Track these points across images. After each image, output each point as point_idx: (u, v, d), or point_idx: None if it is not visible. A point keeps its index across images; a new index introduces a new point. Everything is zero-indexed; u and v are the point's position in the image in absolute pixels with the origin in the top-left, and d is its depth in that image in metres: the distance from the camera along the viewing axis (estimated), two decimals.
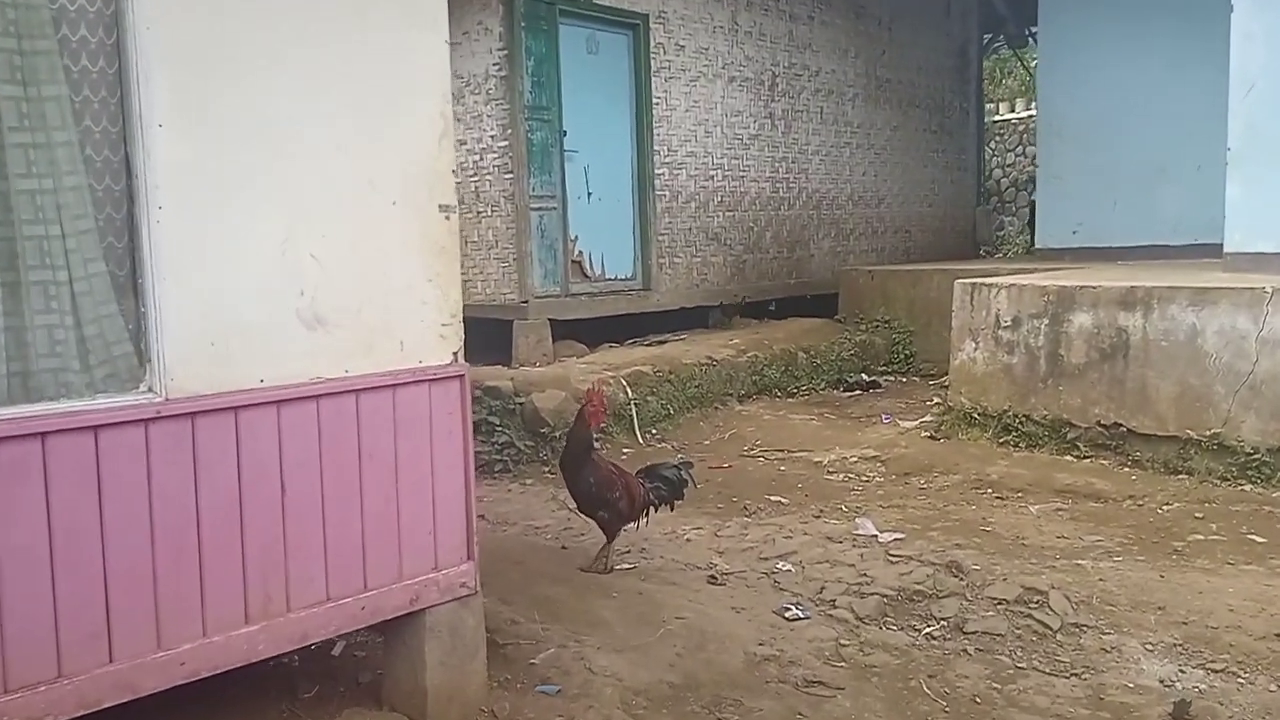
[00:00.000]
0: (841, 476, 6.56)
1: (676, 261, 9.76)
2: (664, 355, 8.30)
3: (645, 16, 9.29)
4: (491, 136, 8.63)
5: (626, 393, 7.53)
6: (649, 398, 7.71)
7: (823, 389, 9.21)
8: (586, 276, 9.12)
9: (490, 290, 8.78)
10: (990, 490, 6.10)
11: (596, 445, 5.14)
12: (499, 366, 8.22)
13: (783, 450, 7.16)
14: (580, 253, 9.06)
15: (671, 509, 5.15)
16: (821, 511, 5.82)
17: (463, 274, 9.12)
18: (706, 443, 7.49)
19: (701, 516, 5.83)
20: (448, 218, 3.38)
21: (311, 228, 3.04)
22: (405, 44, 3.25)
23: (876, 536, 5.31)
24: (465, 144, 8.81)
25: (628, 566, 4.99)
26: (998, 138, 18.03)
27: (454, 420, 3.43)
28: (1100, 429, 6.38)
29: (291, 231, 3.00)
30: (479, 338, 9.02)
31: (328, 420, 3.11)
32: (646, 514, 5.01)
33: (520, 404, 7.13)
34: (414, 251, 3.31)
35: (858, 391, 9.14)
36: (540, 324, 8.55)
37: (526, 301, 8.51)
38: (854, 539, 5.28)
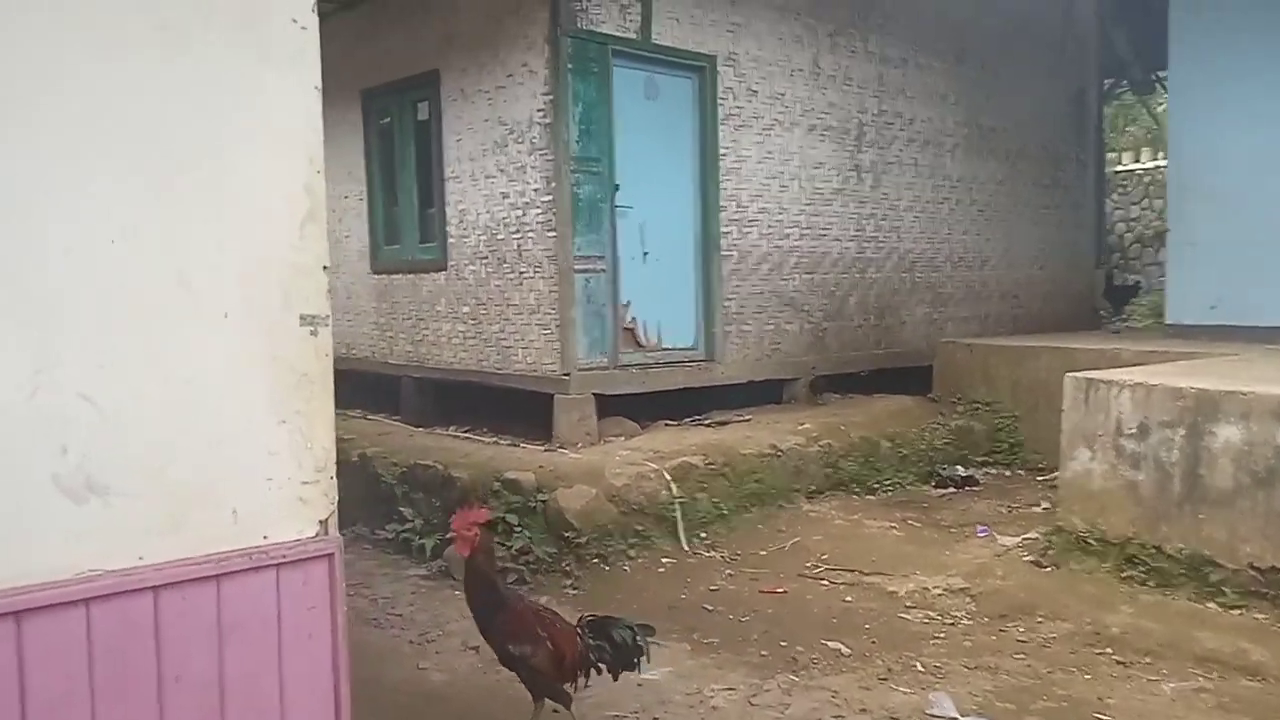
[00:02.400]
0: (921, 615, 5.31)
1: (745, 330, 8.65)
2: (720, 443, 7.17)
3: (713, 58, 8.28)
4: (535, 190, 7.70)
5: (670, 489, 6.43)
6: (698, 494, 6.59)
7: (910, 483, 7.93)
8: (640, 346, 8.09)
9: (531, 360, 7.81)
10: (1110, 650, 4.79)
11: (509, 581, 4.03)
12: (529, 449, 7.24)
13: (852, 571, 5.94)
14: (633, 319, 8.04)
15: (615, 679, 3.98)
16: (890, 672, 4.61)
17: (503, 340, 8.28)
18: (762, 553, 6.31)
19: (738, 668, 4.68)
20: (314, 333, 2.39)
21: (80, 354, 2.07)
22: (250, 81, 2.28)
23: None
24: (508, 197, 7.92)
25: None
26: (1120, 189, 16.45)
27: (317, 619, 2.42)
28: (1254, 573, 5.01)
29: (43, 360, 2.02)
30: (520, 412, 8.14)
31: (106, 632, 2.13)
32: (585, 677, 3.90)
33: (543, 502, 6.10)
34: (256, 382, 2.32)
35: (951, 489, 7.84)
36: (584, 400, 7.54)
37: (569, 374, 7.51)
38: None
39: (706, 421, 8.04)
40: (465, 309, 8.43)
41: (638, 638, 3.93)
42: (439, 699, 4.41)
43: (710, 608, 5.46)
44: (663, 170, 8.17)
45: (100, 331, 2.09)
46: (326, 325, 2.43)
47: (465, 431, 8.29)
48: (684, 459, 6.72)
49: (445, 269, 8.61)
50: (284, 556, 2.35)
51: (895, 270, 9.92)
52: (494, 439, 7.83)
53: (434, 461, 6.75)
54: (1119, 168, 16.77)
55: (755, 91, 8.60)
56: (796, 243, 9.00)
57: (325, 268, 2.42)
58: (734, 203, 8.52)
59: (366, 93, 9.40)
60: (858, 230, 9.51)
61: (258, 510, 2.34)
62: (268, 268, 2.33)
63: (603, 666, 3.91)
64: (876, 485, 7.67)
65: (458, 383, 8.55)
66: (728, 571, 5.99)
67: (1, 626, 1.98)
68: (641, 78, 8.03)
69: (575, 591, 5.76)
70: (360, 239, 9.67)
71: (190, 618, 2.23)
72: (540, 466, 6.55)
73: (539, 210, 7.67)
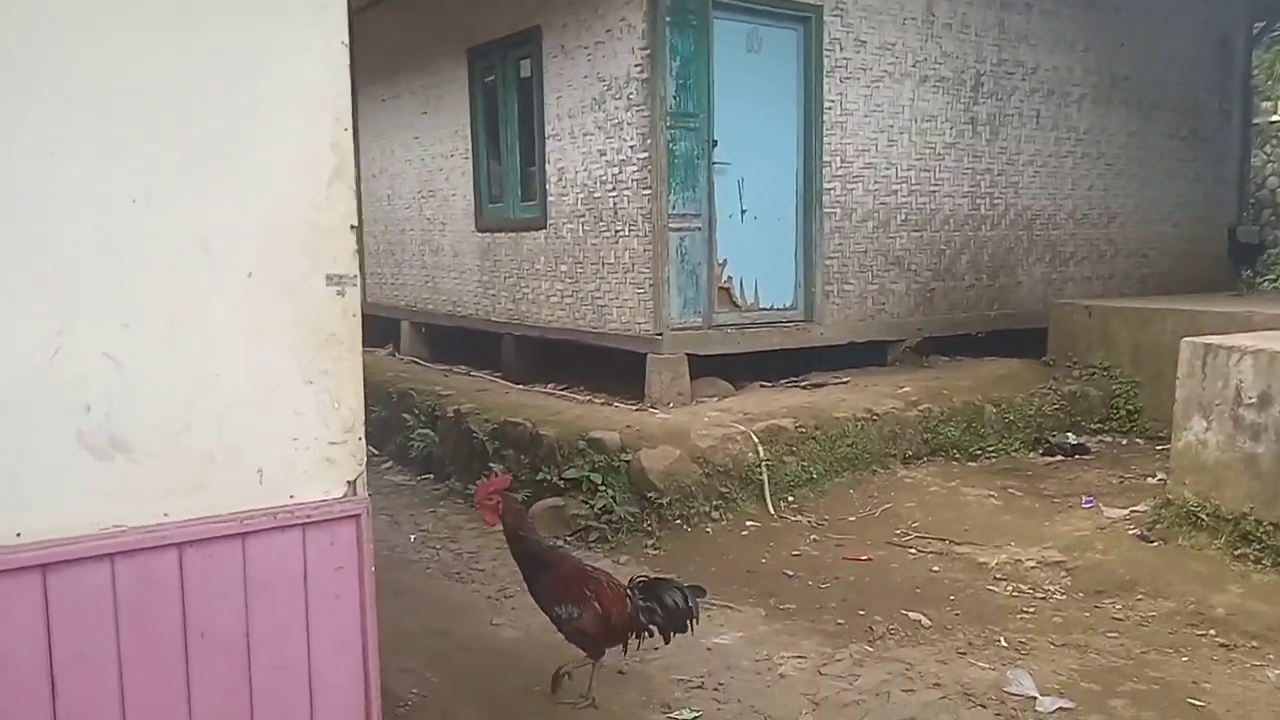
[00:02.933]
0: (1010, 588, 5.10)
1: (847, 289, 8.41)
2: (813, 405, 7.01)
3: (819, 8, 7.99)
4: (631, 147, 7.61)
5: (757, 452, 6.32)
6: (787, 458, 6.46)
7: (1015, 450, 7.61)
8: (736, 305, 7.95)
9: (625, 319, 7.78)
10: (1212, 632, 4.50)
11: (547, 539, 4.19)
12: (620, 408, 7.23)
13: (942, 540, 5.75)
14: (729, 278, 7.90)
15: (667, 641, 3.98)
16: (970, 646, 4.44)
17: (599, 299, 8.26)
18: (851, 519, 6.16)
19: (812, 635, 4.59)
20: (341, 292, 2.39)
21: (103, 313, 2.11)
22: (268, 40, 2.27)
23: (1035, 700, 3.92)
24: (605, 154, 7.85)
25: (691, 716, 3.86)
26: (1273, 142, 15.30)
27: (345, 579, 2.44)
28: None
29: (65, 319, 2.07)
30: (615, 371, 8.12)
31: (130, 588, 2.18)
32: (638, 639, 3.90)
33: (626, 462, 6.08)
34: (282, 342, 2.33)
35: (1059, 457, 7.49)
36: (676, 360, 7.47)
37: (661, 334, 7.45)
38: (1002, 701, 3.91)
39: (803, 383, 7.87)
40: (563, 267, 8.43)
41: (689, 599, 3.89)
42: (507, 656, 4.46)
43: (790, 573, 5.36)
44: (763, 125, 7.95)
45: (122, 292, 2.12)
46: (354, 285, 2.42)
47: (562, 389, 8.33)
48: (773, 421, 6.59)
49: (545, 227, 8.63)
50: (309, 516, 2.37)
51: (1011, 228, 9.47)
52: (588, 398, 7.83)
53: (524, 419, 6.80)
54: (1273, 118, 15.58)
55: (863, 42, 8.27)
56: (905, 199, 8.67)
57: (353, 227, 2.41)
58: (838, 158, 8.25)
59: (472, 51, 9.43)
60: (971, 186, 9.10)
61: (284, 470, 2.36)
62: (291, 228, 2.33)
63: (654, 629, 3.88)
64: (979, 452, 7.39)
65: (556, 341, 8.59)
66: (812, 537, 5.87)
67: (28, 579, 2.06)
68: (743, 29, 7.81)
69: (656, 552, 5.74)
70: (466, 197, 9.77)
71: (215, 575, 2.27)
72: (627, 426, 6.53)
73: (635, 168, 7.58)
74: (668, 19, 7.30)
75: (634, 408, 7.31)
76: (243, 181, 2.26)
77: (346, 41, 2.36)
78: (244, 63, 2.23)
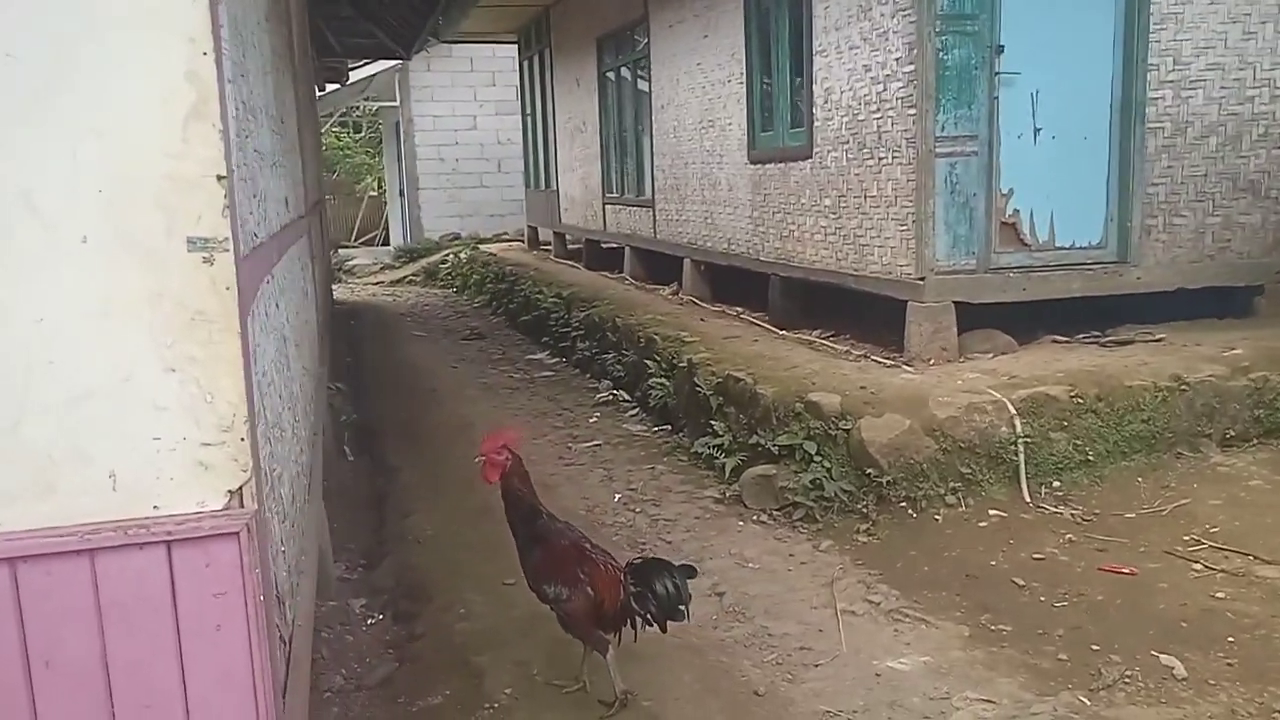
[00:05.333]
0: None
1: (1177, 223, 6.81)
2: (1098, 370, 5.70)
3: None
4: (896, 59, 6.55)
5: (1013, 426, 5.23)
6: (1054, 434, 5.30)
7: None
8: (1023, 244, 6.68)
9: (886, 260, 6.80)
10: None
11: (541, 511, 3.64)
12: (867, 363, 6.34)
13: (1245, 556, 4.41)
14: (1014, 212, 6.64)
15: (664, 630, 3.51)
16: (1232, 714, 3.29)
17: (860, 237, 7.29)
18: (1128, 515, 4.92)
19: (1017, 672, 3.64)
20: (208, 260, 1.91)
21: None
22: None
23: None
24: (870, 70, 6.85)
25: None
26: None
27: (227, 607, 2.01)
28: None
29: None
30: (879, 318, 7.18)
31: None
32: (633, 628, 3.46)
33: (845, 430, 5.25)
34: (135, 322, 1.92)
35: None
36: (940, 308, 6.41)
37: (923, 278, 6.41)
38: None
39: (1105, 339, 6.50)
40: (827, 201, 7.55)
41: (678, 584, 3.45)
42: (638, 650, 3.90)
43: (1020, 582, 4.34)
44: (1067, 24, 6.54)
45: None
46: (226, 250, 1.94)
47: (827, 337, 7.52)
48: (1041, 389, 5.41)
49: (810, 156, 7.76)
50: (171, 533, 1.95)
51: None
52: (845, 348, 6.99)
53: (746, 374, 6.12)
54: None
55: None
56: (1265, 107, 6.84)
57: (221, 177, 1.92)
58: (1169, 59, 6.63)
59: None
60: None
61: (143, 476, 1.96)
62: (140, 182, 1.89)
63: (649, 617, 3.45)
64: None
65: (819, 283, 7.76)
66: (1068, 536, 4.74)
67: None
68: None
69: (867, 539, 4.90)
70: (740, 126, 9.07)
71: (58, 597, 1.92)
72: (861, 388, 5.66)
73: (899, 83, 6.52)
74: None
75: (888, 363, 6.38)
76: (73, 125, 1.84)
77: None
78: None
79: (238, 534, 1.98)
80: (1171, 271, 6.83)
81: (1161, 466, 5.34)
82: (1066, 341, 6.57)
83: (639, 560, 3.62)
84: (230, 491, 2.01)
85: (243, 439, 2.00)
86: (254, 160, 3.25)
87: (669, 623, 3.50)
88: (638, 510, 5.56)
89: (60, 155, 1.85)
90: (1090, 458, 5.31)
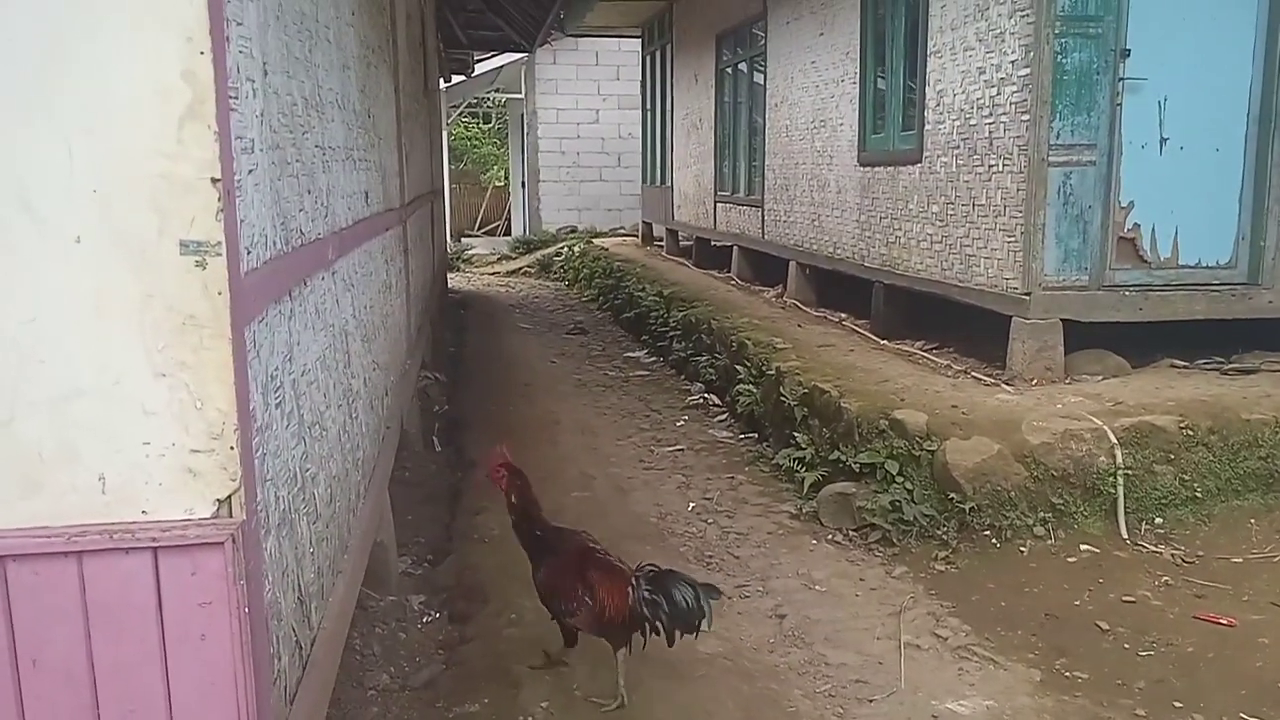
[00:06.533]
0: None
1: None
2: (1215, 400, 5.29)
3: None
4: (1011, 62, 6.21)
5: (1113, 456, 4.89)
6: (1159, 467, 4.93)
7: None
8: (1143, 260, 6.26)
9: (993, 272, 6.47)
10: None
11: (544, 525, 3.70)
12: (966, 380, 6.06)
13: None
14: (1134, 226, 6.23)
15: (670, 644, 3.40)
16: None
17: (967, 247, 6.95)
18: (1235, 560, 4.55)
19: None
20: (200, 264, 1.88)
21: None
22: None
23: None
24: (984, 73, 6.53)
25: None
26: None
27: (212, 617, 1.98)
28: None
29: None
30: (985, 332, 6.83)
31: None
32: (643, 635, 3.39)
33: (931, 452, 5.00)
34: (127, 325, 1.90)
35: None
36: (1047, 326, 6.07)
37: (1029, 293, 6.08)
38: None
39: (1227, 367, 6.04)
40: (935, 208, 7.24)
41: (700, 599, 3.31)
42: (679, 675, 3.77)
43: (1105, 626, 4.04)
44: (1202, 28, 6.10)
45: None
46: (219, 254, 1.90)
47: (931, 349, 7.24)
48: (1146, 418, 5.05)
49: (920, 161, 7.46)
50: (155, 540, 1.92)
51: None
52: (948, 362, 6.70)
53: (831, 386, 5.90)
54: None
55: None
56: None
57: (216, 180, 1.88)
58: None
59: None
60: None
61: (133, 480, 1.93)
62: (135, 181, 1.85)
63: (659, 626, 3.36)
64: None
65: (923, 293, 7.45)
66: (1165, 578, 4.40)
67: None
68: None
69: (945, 567, 4.66)
70: (851, 127, 8.80)
71: (45, 596, 1.91)
72: (953, 406, 5.40)
73: (1014, 87, 6.19)
74: None
75: (988, 380, 6.08)
76: (68, 121, 1.82)
77: None
78: None
79: (223, 544, 1.94)
80: None
81: (1278, 508, 4.92)
82: (1185, 367, 6.14)
83: (651, 567, 3.49)
84: (219, 500, 1.97)
85: (232, 447, 1.96)
86: (314, 156, 3.24)
87: (682, 636, 3.39)
88: (710, 521, 5.42)
89: (55, 153, 1.83)
90: (1198, 495, 4.92)
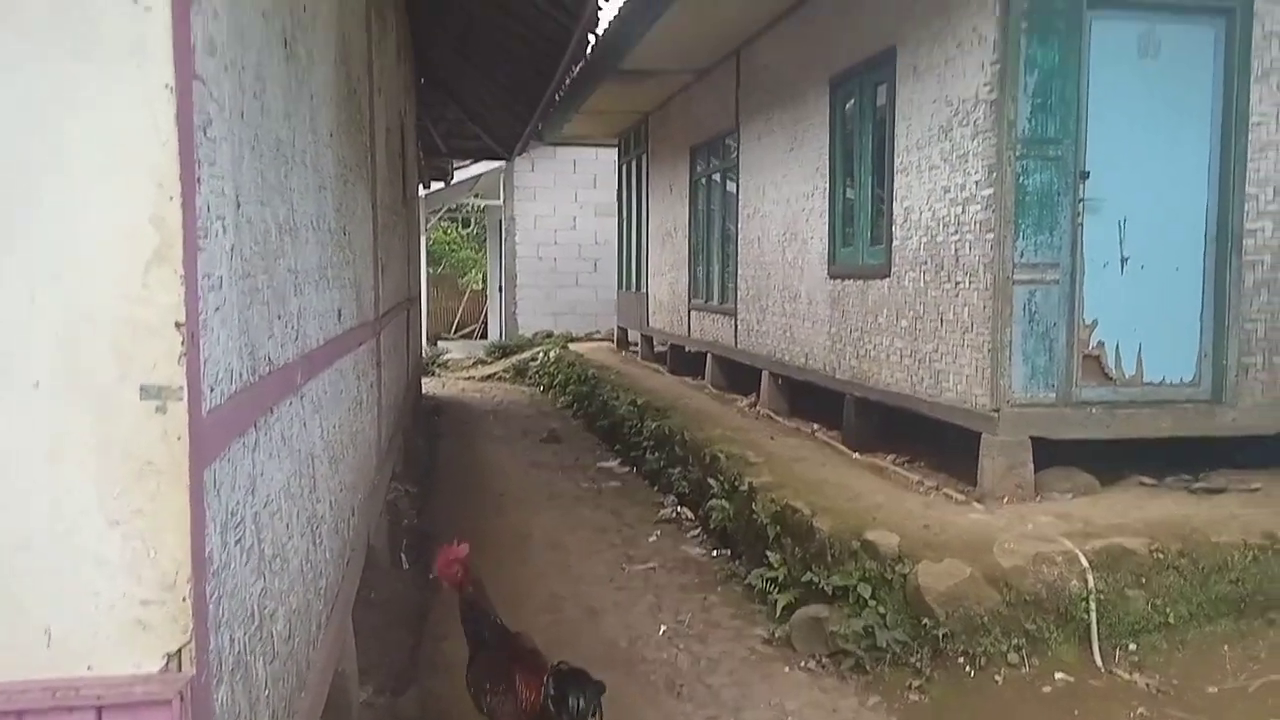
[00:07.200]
0: None
1: (1278, 361, 6.39)
2: (1185, 521, 5.30)
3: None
4: (975, 182, 6.38)
5: (1086, 580, 4.86)
6: (1131, 591, 4.91)
7: None
8: (1107, 378, 6.34)
9: (961, 388, 6.53)
10: None
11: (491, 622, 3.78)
12: (935, 498, 6.04)
13: None
14: (1098, 344, 6.32)
15: None
16: None
17: (936, 362, 7.01)
18: (1211, 689, 4.49)
19: None
20: (162, 409, 1.86)
21: None
22: (58, 87, 1.82)
23: None
24: (949, 191, 6.69)
25: None
26: None
27: None
28: None
29: None
30: (956, 448, 6.85)
31: None
32: None
33: (903, 575, 4.95)
34: (82, 471, 1.87)
35: None
36: (1016, 444, 6.10)
37: (998, 410, 6.12)
38: None
39: (1195, 485, 6.07)
40: (903, 323, 7.33)
41: (588, 701, 3.43)
42: None
43: None
44: (1158, 151, 6.30)
45: None
46: (179, 399, 1.87)
47: (901, 462, 7.25)
48: (1117, 539, 5.05)
49: (888, 275, 7.59)
50: (100, 697, 1.85)
51: None
52: (919, 478, 6.69)
53: (803, 504, 5.87)
54: None
55: None
56: None
57: (179, 324, 1.87)
58: (1270, 188, 6.33)
59: (834, 79, 8.64)
60: None
61: (79, 633, 1.87)
62: (95, 326, 1.84)
63: None
64: None
65: (894, 406, 7.49)
66: (1140, 709, 4.33)
67: None
68: (1133, 31, 6.25)
69: (918, 697, 4.57)
70: (821, 240, 8.96)
71: None
72: (924, 527, 5.38)
73: (978, 206, 6.34)
74: (1024, 24, 6.03)
75: (960, 498, 6.08)
76: (32, 263, 1.81)
77: (173, 84, 1.84)
78: (28, 110, 1.79)
79: (170, 702, 1.87)
80: (1271, 414, 6.38)
81: (1251, 634, 4.88)
82: (1154, 485, 6.16)
83: (564, 665, 3.58)
84: (168, 654, 1.90)
85: (184, 599, 1.91)
86: (285, 280, 3.23)
87: None
88: (681, 646, 5.31)
89: (17, 296, 1.81)
90: (1170, 620, 4.88)
